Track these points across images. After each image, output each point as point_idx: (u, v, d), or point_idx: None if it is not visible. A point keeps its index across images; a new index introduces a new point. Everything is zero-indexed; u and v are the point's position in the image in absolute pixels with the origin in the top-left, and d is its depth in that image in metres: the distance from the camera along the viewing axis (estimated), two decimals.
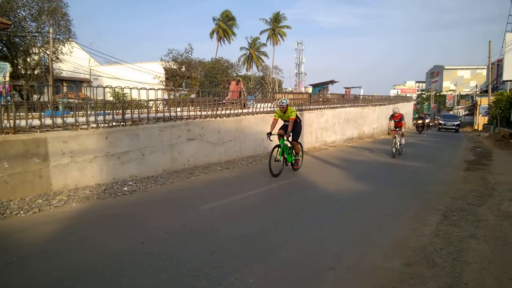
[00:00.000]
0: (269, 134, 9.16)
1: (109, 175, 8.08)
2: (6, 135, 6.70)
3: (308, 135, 15.69)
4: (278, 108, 9.69)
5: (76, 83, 32.85)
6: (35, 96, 21.93)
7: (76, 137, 7.53)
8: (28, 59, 27.70)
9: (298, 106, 15.82)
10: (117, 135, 8.24)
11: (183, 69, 39.04)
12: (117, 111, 8.88)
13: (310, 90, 39.79)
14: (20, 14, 26.15)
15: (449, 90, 75.70)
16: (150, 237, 5.07)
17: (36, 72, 28.13)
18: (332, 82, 31.58)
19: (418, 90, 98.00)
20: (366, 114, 22.17)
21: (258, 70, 59.64)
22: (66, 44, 29.27)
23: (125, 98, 9.68)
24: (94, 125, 8.10)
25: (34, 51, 27.89)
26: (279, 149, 9.23)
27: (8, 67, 18.46)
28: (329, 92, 27.37)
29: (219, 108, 11.69)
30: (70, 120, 7.89)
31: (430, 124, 38.16)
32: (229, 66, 46.80)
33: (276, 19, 61.33)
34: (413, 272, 4.07)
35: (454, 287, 3.77)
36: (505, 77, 31.57)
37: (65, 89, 24.16)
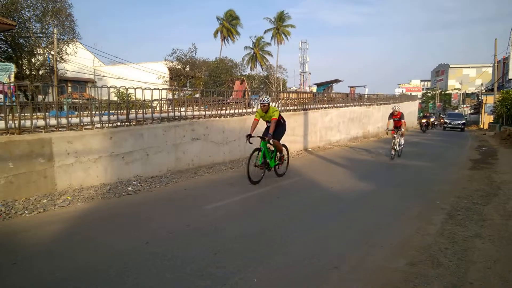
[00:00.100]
0: (249, 136, 8.40)
1: (113, 175, 8.09)
2: (11, 136, 6.72)
3: (313, 134, 15.67)
4: (259, 108, 8.82)
5: (80, 83, 32.93)
6: (40, 97, 21.99)
7: (80, 137, 7.55)
8: (32, 60, 27.78)
9: (302, 105, 15.77)
10: (122, 135, 8.26)
11: (187, 69, 39.08)
12: (122, 111, 8.91)
13: (314, 89, 39.73)
14: (24, 15, 26.23)
15: (455, 89, 75.30)
16: (154, 237, 5.08)
17: (40, 72, 28.20)
18: (336, 81, 31.51)
19: (423, 89, 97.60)
20: (371, 113, 22.10)
21: (262, 70, 59.67)
22: (70, 45, 29.35)
23: (129, 98, 9.71)
24: (99, 125, 8.12)
25: (38, 52, 27.98)
26: (260, 153, 8.47)
27: (13, 67, 18.54)
28: (333, 91, 27.32)
29: (223, 108, 11.69)
30: (75, 120, 7.91)
31: (435, 123, 37.73)
32: (233, 65, 46.78)
33: (280, 18, 61.32)
34: (418, 271, 4.06)
35: (459, 286, 3.75)
36: (511, 75, 31.39)
37: (69, 90, 24.21)
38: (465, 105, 65.35)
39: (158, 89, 10.30)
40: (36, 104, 9.69)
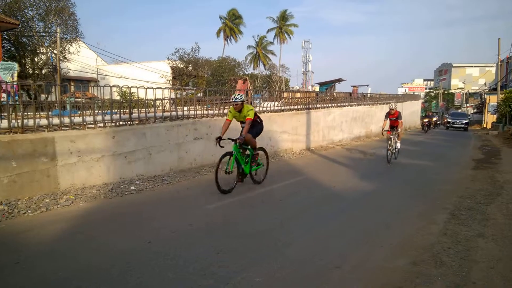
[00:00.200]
0: (218, 139, 7.49)
1: (116, 174, 8.10)
2: (14, 135, 6.74)
3: (315, 134, 15.66)
4: (231, 106, 7.96)
5: (83, 82, 33.04)
6: (43, 96, 22.10)
7: (83, 137, 7.56)
8: (35, 59, 27.89)
9: (305, 104, 15.77)
10: (124, 134, 8.26)
11: (190, 68, 39.14)
12: (124, 110, 8.90)
13: (317, 88, 39.71)
14: (27, 14, 26.35)
15: (458, 88, 75.14)
16: (157, 236, 5.08)
17: (43, 71, 28.32)
18: (339, 80, 31.49)
19: (426, 88, 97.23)
20: (374, 112, 22.06)
21: (265, 69, 59.64)
22: (73, 44, 29.47)
23: (132, 98, 9.71)
24: (102, 125, 8.13)
25: (41, 51, 28.08)
26: (232, 157, 7.47)
27: (16, 66, 18.57)
28: (336, 91, 27.31)
29: (226, 107, 11.68)
30: (78, 119, 7.92)
31: (438, 122, 37.46)
32: (236, 64, 46.78)
33: (283, 17, 61.22)
34: (420, 271, 4.05)
35: (462, 286, 3.74)
36: None
37: (72, 89, 24.37)
38: (468, 105, 65.22)
39: (161, 88, 10.32)
40: (39, 103, 9.71)
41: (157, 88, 9.97)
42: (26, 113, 7.39)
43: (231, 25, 59.56)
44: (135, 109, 8.96)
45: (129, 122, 8.63)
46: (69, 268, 4.05)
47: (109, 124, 8.29)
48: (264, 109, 13.12)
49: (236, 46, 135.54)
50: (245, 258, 4.33)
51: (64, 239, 5.03)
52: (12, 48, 26.58)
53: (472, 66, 79.47)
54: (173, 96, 12.97)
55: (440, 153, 15.34)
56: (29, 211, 6.05)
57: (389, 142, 11.92)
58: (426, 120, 28.55)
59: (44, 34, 27.79)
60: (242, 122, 7.90)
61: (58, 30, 27.08)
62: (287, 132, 13.60)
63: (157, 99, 10.50)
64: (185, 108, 10.27)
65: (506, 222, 5.87)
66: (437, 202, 7.10)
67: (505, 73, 42.35)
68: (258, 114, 8.48)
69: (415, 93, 62.29)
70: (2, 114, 7.58)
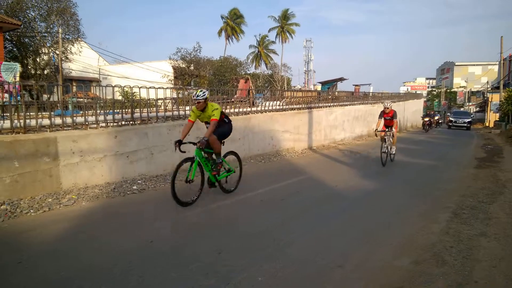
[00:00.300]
0: (178, 142, 6.45)
1: (118, 174, 8.11)
2: (16, 135, 6.75)
3: (317, 133, 15.64)
4: (194, 106, 6.93)
5: (85, 82, 33.07)
6: (45, 96, 22.12)
7: (85, 136, 7.57)
8: (37, 59, 27.93)
9: (307, 104, 15.75)
10: (126, 134, 8.27)
11: (192, 67, 39.14)
12: (126, 110, 8.91)
13: (319, 87, 39.66)
14: (29, 15, 26.39)
15: (460, 87, 74.94)
16: (159, 235, 5.09)
17: (45, 72, 28.35)
18: (341, 79, 31.50)
19: (428, 87, 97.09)
20: (376, 111, 21.87)
21: (267, 68, 59.55)
22: (75, 44, 29.51)
23: (134, 97, 9.71)
24: (104, 124, 8.13)
25: (43, 51, 28.12)
26: (194, 164, 6.53)
27: (18, 67, 18.62)
28: (338, 90, 27.28)
29: (228, 107, 11.69)
30: (80, 119, 7.94)
31: (440, 121, 37.13)
32: (237, 64, 46.77)
33: (285, 16, 61.14)
34: (422, 270, 4.05)
35: (464, 285, 3.74)
36: None
37: (74, 89, 24.38)
38: (470, 103, 65.12)
39: (163, 88, 10.32)
40: (41, 104, 9.74)
41: (159, 88, 9.98)
42: (28, 113, 7.41)
43: (233, 24, 59.52)
44: (137, 109, 8.95)
45: (131, 122, 8.64)
46: (71, 267, 4.06)
47: (111, 124, 8.29)
48: (266, 108, 13.12)
49: (238, 46, 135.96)
50: (246, 257, 4.34)
51: (67, 238, 5.04)
52: (14, 49, 26.63)
53: (474, 65, 79.23)
54: (175, 95, 12.96)
55: (441, 152, 15.32)
56: (31, 211, 6.07)
57: (383, 143, 11.27)
58: (427, 119, 27.86)
59: (46, 34, 27.84)
60: (207, 123, 7.00)
61: (60, 30, 27.13)
62: (289, 132, 13.60)
63: (159, 99, 10.51)
64: (187, 108, 10.26)
65: (508, 221, 5.85)
66: (439, 201, 7.08)
67: (508, 72, 42.24)
68: (225, 113, 7.66)
69: (417, 92, 62.20)
70: (4, 114, 7.61)
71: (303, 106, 15.29)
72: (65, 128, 7.52)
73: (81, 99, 12.18)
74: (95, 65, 38.67)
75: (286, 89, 37.76)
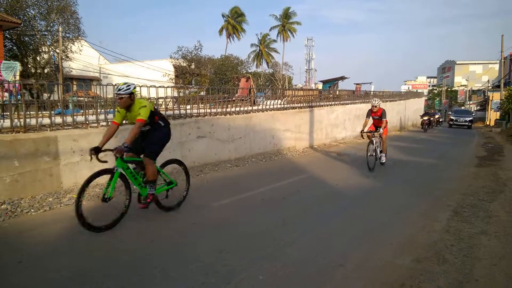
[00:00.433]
0: (95, 150, 5.20)
1: None
2: (16, 134, 6.74)
3: (319, 132, 15.63)
4: (117, 105, 5.75)
5: (85, 81, 33.04)
6: (45, 95, 22.13)
7: (86, 135, 7.55)
8: (38, 58, 27.93)
9: (308, 102, 15.74)
10: (127, 133, 8.22)
11: (193, 66, 39.12)
12: None
13: (320, 86, 39.65)
14: (29, 13, 26.37)
15: (461, 85, 74.91)
16: (159, 235, 5.09)
17: (46, 70, 28.36)
18: (342, 78, 31.53)
19: (429, 86, 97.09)
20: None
21: (268, 67, 59.44)
22: (75, 42, 29.49)
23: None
24: (104, 123, 8.12)
25: (43, 50, 28.11)
26: (114, 177, 5.18)
27: (18, 66, 18.59)
28: (339, 89, 27.26)
29: (229, 105, 11.67)
30: (80, 118, 7.92)
31: (440, 120, 36.73)
32: (238, 63, 46.64)
33: (286, 15, 61.06)
34: (423, 268, 4.05)
35: (465, 283, 3.75)
36: None
37: (75, 88, 24.37)
38: (471, 102, 65.10)
39: (164, 87, 10.30)
40: (41, 103, 9.73)
41: (160, 86, 9.96)
42: (28, 112, 7.39)
43: (234, 23, 59.44)
44: None
45: None
46: (72, 266, 4.06)
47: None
48: (267, 107, 13.10)
49: (239, 44, 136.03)
50: (247, 257, 4.33)
51: (67, 238, 5.03)
52: (14, 47, 26.63)
53: (475, 63, 79.21)
54: (175, 94, 12.93)
55: (442, 151, 15.31)
56: (32, 210, 6.06)
57: (370, 146, 9.91)
58: (426, 118, 26.45)
59: (46, 33, 27.82)
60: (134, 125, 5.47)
61: (60, 29, 27.11)
62: (290, 130, 13.59)
63: (160, 98, 10.49)
64: (188, 107, 10.25)
65: (509, 219, 5.86)
66: (440, 200, 7.08)
67: (509, 70, 42.20)
68: (161, 113, 6.11)
69: (419, 91, 62.16)
70: (4, 113, 7.59)
71: (304, 105, 15.29)
72: (65, 127, 7.51)
73: (82, 98, 12.14)
74: (96, 64, 38.69)
75: (287, 88, 37.70)
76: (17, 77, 17.11)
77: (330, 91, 21.39)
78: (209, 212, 6.20)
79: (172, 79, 38.01)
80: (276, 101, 14.25)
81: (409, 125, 29.50)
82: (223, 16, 60.20)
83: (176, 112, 9.74)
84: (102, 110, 8.65)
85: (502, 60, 40.37)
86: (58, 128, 7.42)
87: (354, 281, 3.80)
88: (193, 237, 5.00)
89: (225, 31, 59.97)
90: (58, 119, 7.54)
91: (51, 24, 27.58)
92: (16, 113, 7.27)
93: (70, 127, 7.59)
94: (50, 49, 28.23)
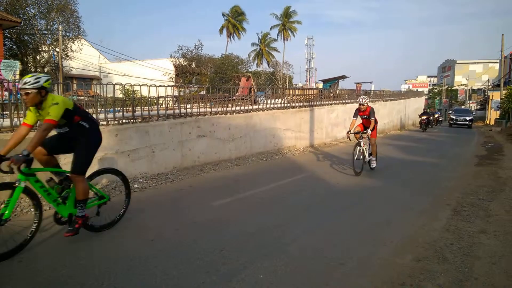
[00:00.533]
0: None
1: None
2: None
3: (319, 131, 15.64)
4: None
5: (86, 80, 33.00)
6: None
7: None
8: (37, 57, 27.95)
9: (308, 102, 15.74)
10: (127, 132, 8.24)
11: (193, 65, 39.12)
12: (127, 108, 8.88)
13: (320, 85, 39.64)
14: (29, 12, 26.39)
15: (461, 85, 74.86)
16: (160, 234, 5.09)
17: (46, 69, 28.36)
18: (342, 77, 31.52)
19: (429, 85, 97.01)
20: (377, 109, 21.79)
21: (268, 66, 59.44)
22: (75, 41, 29.49)
23: (135, 95, 9.67)
24: (104, 123, 8.11)
25: (43, 49, 28.12)
26: (14, 193, 4.21)
27: (18, 65, 18.62)
28: (339, 88, 27.25)
29: (229, 105, 11.67)
30: None
31: (440, 119, 36.51)
32: (239, 62, 46.61)
33: (286, 14, 61.06)
34: (423, 267, 4.06)
35: (464, 282, 3.75)
36: None
37: (75, 87, 24.36)
38: (471, 101, 65.08)
39: (164, 86, 10.30)
40: None
41: (160, 85, 9.96)
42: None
43: (234, 22, 59.42)
44: (138, 107, 8.93)
45: (132, 120, 8.62)
46: (70, 266, 4.06)
47: (112, 122, 8.27)
48: (268, 106, 13.10)
49: (239, 43, 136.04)
50: (248, 255, 4.34)
51: (66, 237, 5.01)
52: (14, 46, 26.63)
53: (475, 63, 79.11)
54: (176, 93, 12.92)
55: (442, 150, 15.36)
56: (32, 210, 6.03)
57: (357, 147, 9.14)
58: (424, 117, 25.64)
59: (46, 32, 27.84)
60: (59, 129, 4.64)
61: (60, 28, 27.13)
62: (291, 130, 13.59)
63: (160, 97, 10.49)
64: (188, 106, 10.25)
65: (508, 218, 5.88)
66: (440, 199, 7.10)
67: (508, 70, 42.23)
68: (84, 111, 4.96)
69: (419, 90, 62.16)
70: (4, 112, 7.57)
71: (305, 104, 15.30)
72: None
73: (82, 97, 12.14)
74: (96, 63, 38.66)
75: (287, 87, 37.69)
76: (17, 76, 17.12)
77: (330, 90, 21.39)
78: (210, 211, 6.20)
79: (172, 78, 38.01)
80: (277, 100, 14.25)
81: (410, 124, 29.51)
82: (223, 15, 60.26)
83: (177, 111, 9.74)
84: (102, 109, 8.64)
85: (502, 59, 40.41)
86: None
87: (355, 279, 3.81)
88: (193, 236, 5.00)
89: (226, 30, 59.98)
90: None
91: (51, 23, 27.60)
92: (16, 112, 7.25)
93: None
94: (50, 48, 28.25)
